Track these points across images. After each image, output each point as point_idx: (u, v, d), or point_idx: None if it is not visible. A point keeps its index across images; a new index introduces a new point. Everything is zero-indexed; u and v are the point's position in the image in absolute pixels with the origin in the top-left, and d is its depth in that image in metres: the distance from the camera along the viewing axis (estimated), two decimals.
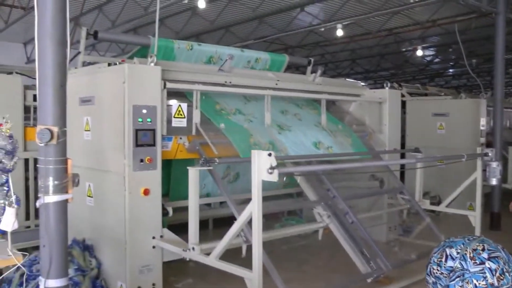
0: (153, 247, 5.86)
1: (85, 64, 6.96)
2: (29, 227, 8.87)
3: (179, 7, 12.84)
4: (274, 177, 4.55)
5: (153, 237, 5.86)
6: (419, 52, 17.02)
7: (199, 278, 6.77)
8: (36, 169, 8.97)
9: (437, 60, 22.48)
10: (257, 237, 4.65)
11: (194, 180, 5.51)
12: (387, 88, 9.06)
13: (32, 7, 11.40)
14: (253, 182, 4.66)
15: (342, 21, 13.00)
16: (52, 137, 3.90)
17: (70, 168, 4.09)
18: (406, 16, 14.03)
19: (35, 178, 9.09)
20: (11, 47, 17.62)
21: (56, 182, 3.98)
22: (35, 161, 8.90)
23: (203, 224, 5.82)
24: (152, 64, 5.86)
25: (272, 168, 4.53)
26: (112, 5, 13.22)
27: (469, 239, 3.88)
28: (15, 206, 4.01)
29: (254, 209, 4.67)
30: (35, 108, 9.10)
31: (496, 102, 10.32)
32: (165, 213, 6.10)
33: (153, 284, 5.85)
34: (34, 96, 8.99)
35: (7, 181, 4.10)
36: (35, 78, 9.40)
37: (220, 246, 5.19)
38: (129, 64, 5.72)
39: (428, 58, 21.93)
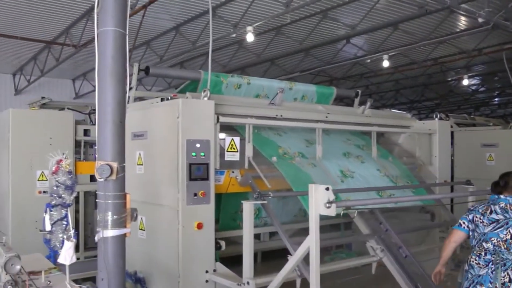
0: (206, 281, 5.81)
1: (136, 99, 7.08)
2: (78, 258, 8.97)
3: (227, 41, 12.99)
4: (331, 212, 4.51)
5: (206, 271, 5.82)
6: (465, 81, 16.77)
7: None
8: (86, 202, 9.20)
9: (482, 89, 22.17)
10: (314, 273, 4.59)
11: (249, 214, 5.48)
12: (436, 119, 8.94)
13: (83, 45, 11.79)
14: (310, 216, 4.63)
15: (389, 51, 12.95)
16: (111, 173, 3.94)
17: (128, 202, 4.12)
18: (452, 45, 13.91)
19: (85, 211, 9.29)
20: (60, 83, 18.10)
21: (115, 216, 4.00)
22: (85, 194, 9.16)
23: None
24: (206, 98, 5.89)
25: (329, 202, 4.49)
26: (160, 40, 13.46)
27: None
28: (74, 240, 4.06)
29: (312, 244, 4.63)
30: (85, 142, 9.34)
31: None
32: (218, 246, 6.06)
33: None
34: (85, 131, 9.22)
35: (66, 216, 4.16)
36: (85, 114, 9.64)
37: (276, 281, 5.13)
38: (182, 99, 5.76)
39: (474, 87, 21.65)
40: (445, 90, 21.73)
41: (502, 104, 26.84)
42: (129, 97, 8.01)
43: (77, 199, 9.05)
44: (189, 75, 7.67)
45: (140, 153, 6.40)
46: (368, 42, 13.64)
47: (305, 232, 7.05)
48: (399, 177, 7.56)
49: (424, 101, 24.35)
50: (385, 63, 13.12)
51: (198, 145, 5.74)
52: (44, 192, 8.65)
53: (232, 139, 6.26)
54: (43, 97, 10.04)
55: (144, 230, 6.35)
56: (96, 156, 8.10)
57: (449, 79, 18.52)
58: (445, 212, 8.06)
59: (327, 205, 4.49)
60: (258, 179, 6.28)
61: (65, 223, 4.12)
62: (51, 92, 16.74)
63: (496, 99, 25.47)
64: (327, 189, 4.51)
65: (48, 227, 4.30)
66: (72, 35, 12.72)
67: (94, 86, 14.62)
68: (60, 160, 4.11)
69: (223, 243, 6.15)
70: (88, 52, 13.05)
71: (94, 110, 9.95)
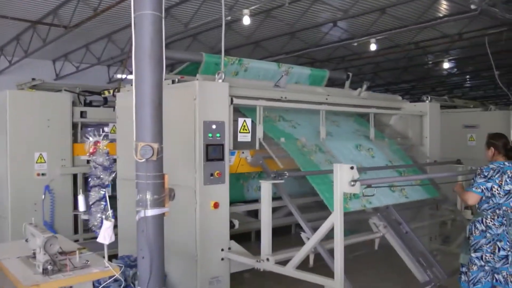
0: (222, 259, 5.97)
1: None
2: (77, 240, 9.02)
3: (216, 23, 12.98)
4: (356, 189, 4.71)
5: (222, 249, 5.97)
6: (446, 65, 17.00)
7: None
8: (86, 184, 9.19)
9: (457, 72, 22.56)
10: (339, 248, 4.83)
11: (267, 193, 5.65)
12: (427, 101, 9.16)
13: (74, 26, 11.65)
14: (335, 194, 4.83)
15: (376, 35, 13.12)
16: (153, 153, 4.03)
17: (167, 182, 4.22)
18: (436, 30, 14.12)
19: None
20: (41, 64, 17.76)
21: (155, 196, 4.11)
22: (84, 176, 9.14)
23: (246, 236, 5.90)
24: (220, 80, 5.99)
25: (354, 180, 4.67)
26: None
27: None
28: (112, 220, 4.14)
29: (336, 221, 4.84)
30: (81, 124, 9.31)
31: None
32: (231, 225, 6.20)
33: None
34: (81, 112, 9.16)
35: (104, 196, 4.22)
36: (82, 95, 9.52)
37: (299, 256, 5.34)
38: (199, 81, 5.85)
39: (449, 71, 22.00)
40: (422, 73, 22.04)
41: (474, 87, 27.40)
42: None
43: (75, 181, 9.10)
44: (191, 57, 7.71)
45: None
46: (355, 26, 13.73)
47: (308, 208, 7.28)
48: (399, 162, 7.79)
49: (400, 83, 24.67)
50: (373, 47, 13.26)
51: (214, 126, 5.86)
52: (43, 174, 8.64)
53: (244, 120, 6.38)
54: (33, 79, 9.92)
55: None
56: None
57: (430, 62, 18.79)
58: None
59: (352, 183, 4.68)
60: (268, 159, 6.42)
61: (103, 203, 4.17)
62: (32, 73, 16.25)
63: (468, 82, 26.00)
64: (352, 168, 4.70)
65: (82, 208, 4.36)
66: (59, 16, 12.58)
67: (76, 67, 14.48)
68: (98, 142, 4.16)
69: (236, 222, 6.30)
70: (72, 33, 12.96)
71: (85, 91, 9.86)
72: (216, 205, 5.87)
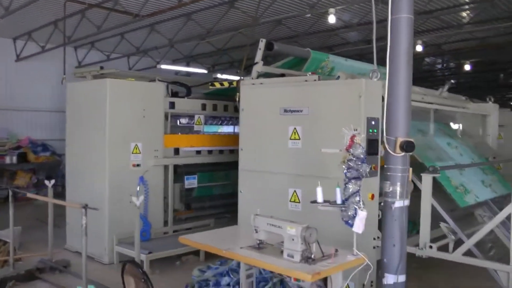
0: (374, 247, 6.34)
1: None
2: (166, 232, 9.22)
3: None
4: None
5: (374, 238, 6.35)
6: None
7: None
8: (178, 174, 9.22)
9: None
10: None
11: (428, 186, 6.05)
12: (490, 102, 9.74)
13: (148, 15, 11.44)
14: None
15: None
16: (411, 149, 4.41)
17: (410, 175, 4.60)
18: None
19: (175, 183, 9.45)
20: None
21: (406, 188, 4.48)
22: (175, 167, 9.23)
23: None
24: (375, 79, 6.34)
25: None
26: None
27: None
28: (365, 211, 4.43)
29: None
30: (171, 115, 9.39)
31: None
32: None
33: (371, 282, 6.33)
34: (170, 103, 9.26)
35: (359, 189, 4.47)
36: (181, 85, 9.49)
37: (468, 243, 5.75)
38: (366, 80, 6.21)
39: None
40: None
41: None
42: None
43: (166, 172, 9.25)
44: (299, 53, 8.05)
45: (295, 128, 6.78)
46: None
47: None
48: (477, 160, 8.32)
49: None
50: (467, 67, 13.29)
51: (373, 123, 6.24)
52: (138, 165, 8.69)
53: None
54: (101, 67, 9.84)
55: (299, 202, 6.76)
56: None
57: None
58: None
59: None
60: None
61: (358, 195, 4.43)
62: (54, 61, 15.09)
63: None
64: None
65: (339, 200, 4.57)
66: (120, 2, 11.91)
67: (42, 47, 13.23)
68: (354, 136, 4.45)
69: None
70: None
71: (175, 82, 9.87)
72: (372, 197, 6.26)
